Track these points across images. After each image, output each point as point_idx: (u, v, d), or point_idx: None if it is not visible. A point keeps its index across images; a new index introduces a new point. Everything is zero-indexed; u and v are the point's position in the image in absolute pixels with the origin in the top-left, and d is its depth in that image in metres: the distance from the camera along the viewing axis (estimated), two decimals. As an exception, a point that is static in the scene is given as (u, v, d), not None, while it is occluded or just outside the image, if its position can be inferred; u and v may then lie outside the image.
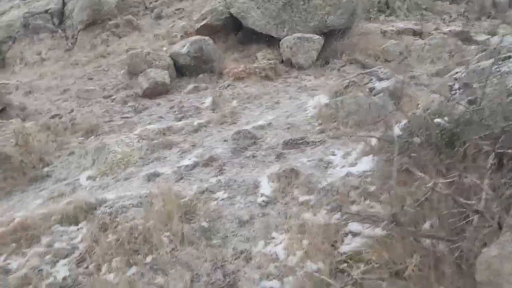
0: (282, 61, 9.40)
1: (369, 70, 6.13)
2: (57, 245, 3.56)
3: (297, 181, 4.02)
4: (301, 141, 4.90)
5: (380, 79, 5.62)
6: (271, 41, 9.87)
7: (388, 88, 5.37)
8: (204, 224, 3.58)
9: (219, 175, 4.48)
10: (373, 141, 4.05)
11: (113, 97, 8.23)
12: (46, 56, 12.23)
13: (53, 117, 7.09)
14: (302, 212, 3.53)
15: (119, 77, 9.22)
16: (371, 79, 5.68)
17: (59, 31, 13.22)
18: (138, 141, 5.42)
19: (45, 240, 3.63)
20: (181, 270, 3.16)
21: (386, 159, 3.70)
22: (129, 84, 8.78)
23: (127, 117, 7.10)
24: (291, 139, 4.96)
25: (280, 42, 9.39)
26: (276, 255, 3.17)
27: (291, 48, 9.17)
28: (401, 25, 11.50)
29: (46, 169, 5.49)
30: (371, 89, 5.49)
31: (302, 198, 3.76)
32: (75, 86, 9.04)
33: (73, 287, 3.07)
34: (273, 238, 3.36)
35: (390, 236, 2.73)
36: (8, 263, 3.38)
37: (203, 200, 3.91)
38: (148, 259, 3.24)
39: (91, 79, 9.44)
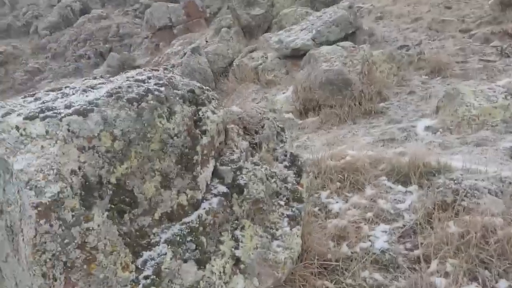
0: None
1: None
2: (380, 203, 3.03)
3: None
4: None
5: None
6: None
7: None
8: None
9: None
10: None
11: (472, 32, 6.70)
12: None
13: (399, 48, 6.45)
14: None
15: (486, 7, 7.39)
16: None
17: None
18: (505, 97, 3.99)
19: (369, 191, 3.18)
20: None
21: None
22: (497, 17, 6.89)
23: (487, 60, 5.56)
24: None
25: None
26: None
27: None
28: None
29: (381, 104, 5.03)
30: None
31: None
32: (428, 15, 7.97)
33: (392, 267, 2.46)
34: None
35: None
36: (330, 202, 3.15)
37: None
38: (502, 284, 2.19)
39: (448, 8, 8.06)
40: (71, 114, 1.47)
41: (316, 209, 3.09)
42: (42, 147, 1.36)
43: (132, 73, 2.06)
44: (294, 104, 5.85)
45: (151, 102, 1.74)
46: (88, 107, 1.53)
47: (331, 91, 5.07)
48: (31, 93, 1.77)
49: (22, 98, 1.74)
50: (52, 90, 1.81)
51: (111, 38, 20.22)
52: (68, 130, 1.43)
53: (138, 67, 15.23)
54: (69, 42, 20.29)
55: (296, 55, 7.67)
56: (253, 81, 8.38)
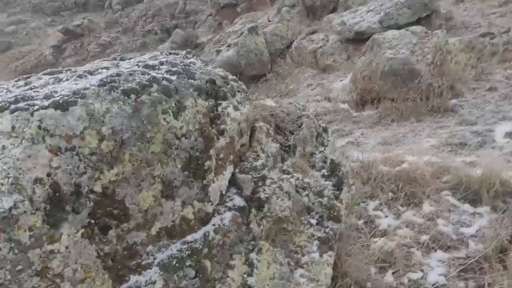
0: None
1: None
2: (440, 224, 2.53)
3: None
4: None
5: None
6: None
7: None
8: None
9: None
10: None
11: None
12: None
13: (482, 35, 5.56)
14: None
15: None
16: None
17: None
18: None
19: (427, 207, 2.67)
20: None
21: None
22: None
23: None
24: None
25: None
26: None
27: None
28: None
29: (453, 101, 4.34)
30: None
31: None
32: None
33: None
34: None
35: None
36: (378, 215, 2.70)
37: None
38: None
39: (548, -11, 6.85)
40: (46, 107, 1.20)
41: (361, 222, 2.66)
42: (3, 147, 1.11)
43: (146, 56, 1.77)
44: (351, 93, 5.31)
45: (155, 94, 1.43)
46: (71, 99, 1.25)
47: (394, 82, 4.47)
48: (26, 76, 1.53)
49: (15, 80, 1.51)
50: (51, 73, 1.57)
51: (178, 14, 20.45)
52: (39, 127, 1.16)
53: (201, 44, 15.23)
54: (139, 18, 20.87)
55: (359, 39, 7.02)
56: (311, 65, 7.87)
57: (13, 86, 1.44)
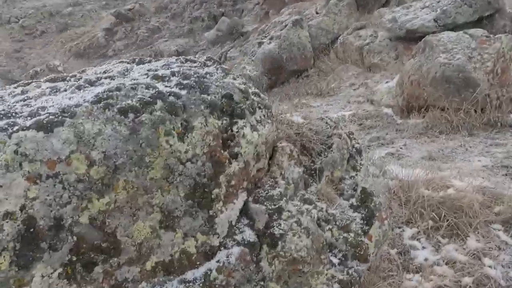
0: None
1: None
2: (486, 264, 2.20)
3: None
4: None
5: None
6: None
7: None
8: None
9: None
10: None
11: None
12: None
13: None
14: None
15: None
16: None
17: None
18: None
19: (472, 242, 2.34)
20: None
21: None
22: None
23: None
24: None
25: None
26: None
27: None
28: None
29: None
30: None
31: None
32: None
33: None
34: None
35: None
36: (414, 246, 2.41)
37: None
38: None
39: None
40: (27, 128, 1.06)
41: (394, 251, 2.38)
42: (-28, 175, 0.98)
43: (159, 63, 1.60)
44: (396, 98, 4.92)
45: (157, 113, 1.25)
46: (58, 118, 1.10)
47: (446, 90, 4.04)
48: (26, 82, 1.41)
49: (14, 87, 1.39)
50: (52, 80, 1.43)
51: (225, 2, 20.36)
52: (16, 152, 1.02)
53: (246, 33, 15.05)
54: (187, 4, 21.00)
55: (411, 38, 6.51)
56: (356, 62, 7.44)
57: (9, 95, 1.32)
